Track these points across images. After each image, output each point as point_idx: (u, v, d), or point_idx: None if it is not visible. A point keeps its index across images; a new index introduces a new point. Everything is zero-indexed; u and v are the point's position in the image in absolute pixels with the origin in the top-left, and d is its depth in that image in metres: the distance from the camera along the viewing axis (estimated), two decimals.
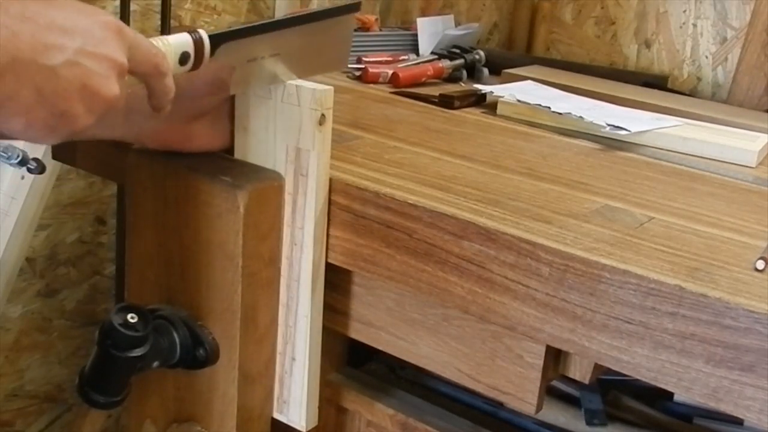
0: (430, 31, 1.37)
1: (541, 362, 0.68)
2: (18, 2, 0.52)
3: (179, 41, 0.63)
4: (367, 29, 1.34)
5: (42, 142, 0.55)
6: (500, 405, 0.85)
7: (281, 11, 1.37)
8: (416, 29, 1.37)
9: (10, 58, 0.51)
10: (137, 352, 0.66)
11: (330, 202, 0.73)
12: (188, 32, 0.64)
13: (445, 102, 1.08)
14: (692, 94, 1.36)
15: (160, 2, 1.19)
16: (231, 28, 0.67)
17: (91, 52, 0.54)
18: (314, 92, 0.68)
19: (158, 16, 1.20)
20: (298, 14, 0.72)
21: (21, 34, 0.51)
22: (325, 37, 0.73)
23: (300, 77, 0.72)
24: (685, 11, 1.37)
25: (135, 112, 0.67)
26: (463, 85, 1.24)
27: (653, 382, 0.59)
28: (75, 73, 0.53)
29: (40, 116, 0.53)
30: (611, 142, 0.96)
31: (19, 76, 0.51)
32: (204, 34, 0.64)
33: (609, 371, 0.64)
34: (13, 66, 0.51)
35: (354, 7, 0.75)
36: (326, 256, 0.74)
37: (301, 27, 0.70)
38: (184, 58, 0.63)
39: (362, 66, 1.20)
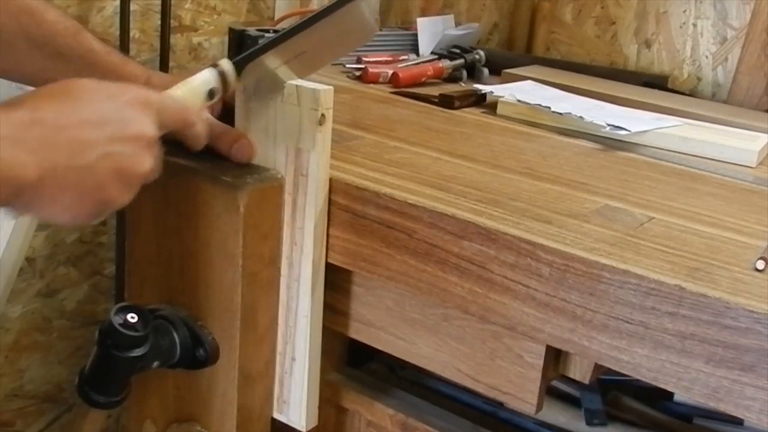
0: (430, 31, 1.37)
1: (541, 362, 0.68)
2: (53, 108, 0.55)
3: (204, 80, 0.65)
4: None
5: (90, 223, 0.59)
6: (500, 405, 0.85)
7: (281, 11, 1.37)
8: (416, 29, 1.37)
9: (49, 168, 0.53)
10: (137, 352, 0.66)
11: (330, 202, 0.73)
12: (212, 66, 0.66)
13: (445, 102, 1.08)
14: (692, 94, 1.36)
15: (160, 2, 1.19)
16: (251, 49, 0.68)
17: (120, 137, 0.57)
18: (314, 92, 0.68)
19: (158, 16, 1.20)
20: (316, 12, 0.70)
21: (58, 145, 0.54)
22: (348, 20, 0.72)
23: (331, 61, 0.71)
24: (685, 11, 1.37)
25: None
26: (463, 85, 1.24)
27: (653, 382, 0.59)
28: (109, 162, 0.56)
29: (84, 209, 0.57)
30: (611, 142, 0.96)
31: (60, 182, 0.54)
32: (227, 66, 0.66)
33: (609, 371, 0.64)
34: (53, 175, 0.54)
35: None
36: (326, 256, 0.74)
37: (321, 22, 0.69)
38: (211, 93, 0.66)
39: (362, 66, 1.20)
